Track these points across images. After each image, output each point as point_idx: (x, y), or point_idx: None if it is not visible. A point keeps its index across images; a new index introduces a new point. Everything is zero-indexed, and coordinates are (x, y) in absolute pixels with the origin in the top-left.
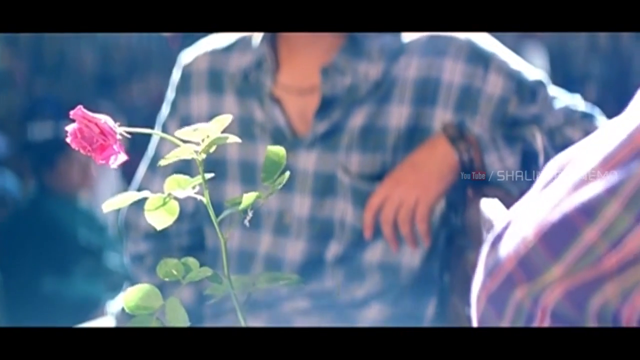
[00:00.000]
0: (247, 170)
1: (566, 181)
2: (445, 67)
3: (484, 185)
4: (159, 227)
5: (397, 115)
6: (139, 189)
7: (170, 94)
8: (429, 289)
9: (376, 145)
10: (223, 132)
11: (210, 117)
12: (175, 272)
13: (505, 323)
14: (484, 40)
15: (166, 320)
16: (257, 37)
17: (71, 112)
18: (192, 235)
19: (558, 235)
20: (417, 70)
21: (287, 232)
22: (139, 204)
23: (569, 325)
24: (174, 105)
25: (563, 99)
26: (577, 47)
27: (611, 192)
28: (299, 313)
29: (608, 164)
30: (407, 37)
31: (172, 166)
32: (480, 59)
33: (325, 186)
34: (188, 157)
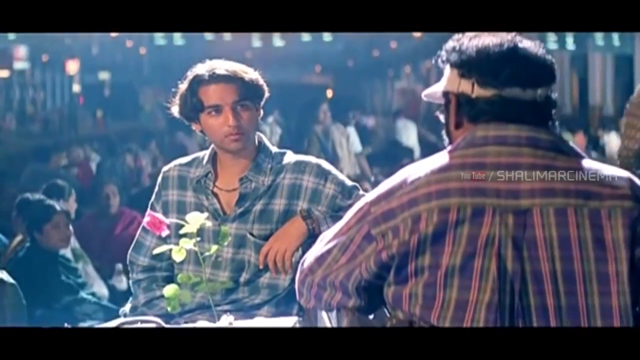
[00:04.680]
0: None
1: (326, 238)
2: (304, 178)
3: None
4: (178, 260)
5: (278, 205)
6: (137, 241)
7: (156, 188)
8: (294, 299)
9: (267, 220)
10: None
11: (178, 204)
12: (188, 279)
13: (310, 297)
14: (325, 164)
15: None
16: (206, 158)
17: (147, 213)
18: (167, 269)
19: (319, 260)
20: (290, 180)
21: (220, 266)
22: (136, 250)
23: (324, 292)
24: (158, 195)
25: None
26: None
27: (336, 245)
28: (223, 312)
29: (339, 231)
30: (285, 161)
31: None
32: (323, 174)
33: (240, 242)
34: (193, 230)
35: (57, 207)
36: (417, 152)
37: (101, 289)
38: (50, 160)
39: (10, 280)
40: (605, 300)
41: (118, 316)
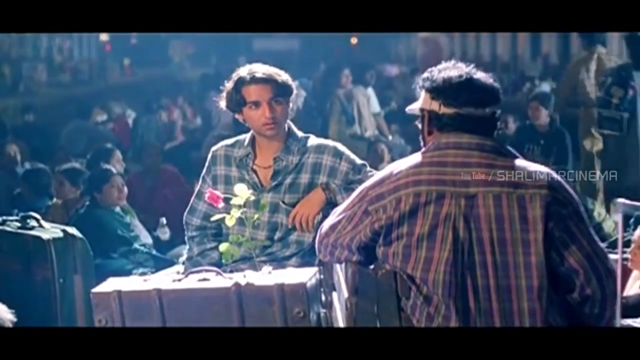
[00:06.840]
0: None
1: (337, 211)
2: (323, 157)
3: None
4: (229, 225)
5: (304, 179)
6: (191, 206)
7: (207, 163)
8: (316, 253)
9: (295, 191)
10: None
11: (225, 177)
12: (237, 239)
13: (326, 253)
14: (340, 146)
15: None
16: (246, 141)
17: (202, 186)
18: (215, 228)
19: (332, 227)
20: (313, 159)
21: (258, 227)
22: (191, 212)
23: (335, 250)
24: (208, 169)
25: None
26: None
27: (344, 217)
28: (262, 262)
29: (346, 207)
30: (309, 144)
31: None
32: (338, 154)
33: (274, 208)
34: (241, 202)
35: (114, 170)
36: None
37: (147, 240)
38: (89, 117)
39: (80, 235)
40: (526, 258)
41: (167, 264)
